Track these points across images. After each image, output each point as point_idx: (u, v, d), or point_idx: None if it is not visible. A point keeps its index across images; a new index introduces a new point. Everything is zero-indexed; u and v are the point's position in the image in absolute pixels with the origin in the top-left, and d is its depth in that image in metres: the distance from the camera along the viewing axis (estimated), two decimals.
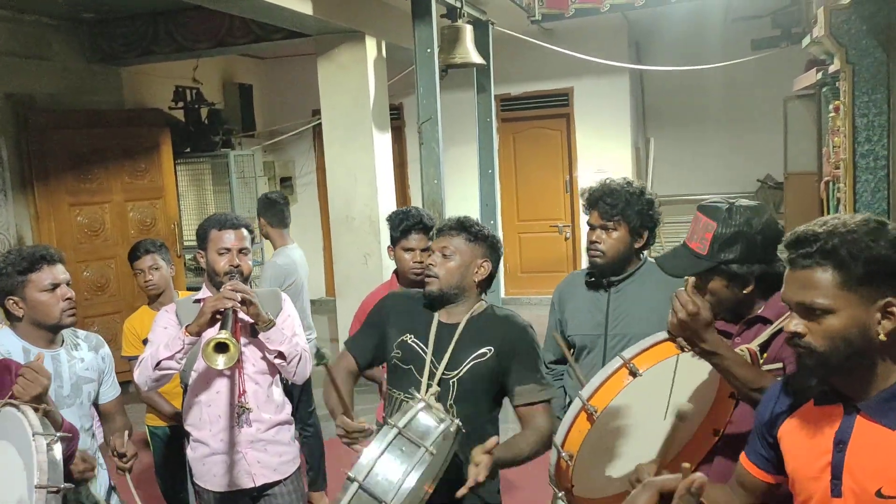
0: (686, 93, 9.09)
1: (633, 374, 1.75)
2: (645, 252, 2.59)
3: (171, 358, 2.49)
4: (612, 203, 2.45)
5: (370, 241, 6.20)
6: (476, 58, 5.69)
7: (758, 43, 8.01)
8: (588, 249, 2.52)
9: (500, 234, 7.02)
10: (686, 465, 1.33)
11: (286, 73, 9.47)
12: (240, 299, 2.47)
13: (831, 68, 4.99)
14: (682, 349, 1.76)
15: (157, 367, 2.50)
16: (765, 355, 1.86)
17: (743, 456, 1.60)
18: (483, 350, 2.21)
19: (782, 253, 1.47)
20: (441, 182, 5.31)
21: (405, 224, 3.10)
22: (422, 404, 1.93)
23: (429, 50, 5.18)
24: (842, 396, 1.40)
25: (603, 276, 2.54)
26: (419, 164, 5.38)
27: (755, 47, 8.01)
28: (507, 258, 9.32)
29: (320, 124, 6.42)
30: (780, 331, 1.84)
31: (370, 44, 6.16)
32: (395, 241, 3.16)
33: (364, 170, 6.19)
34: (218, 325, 2.44)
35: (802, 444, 1.44)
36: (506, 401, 2.31)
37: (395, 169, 7.07)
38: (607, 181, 2.53)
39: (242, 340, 2.62)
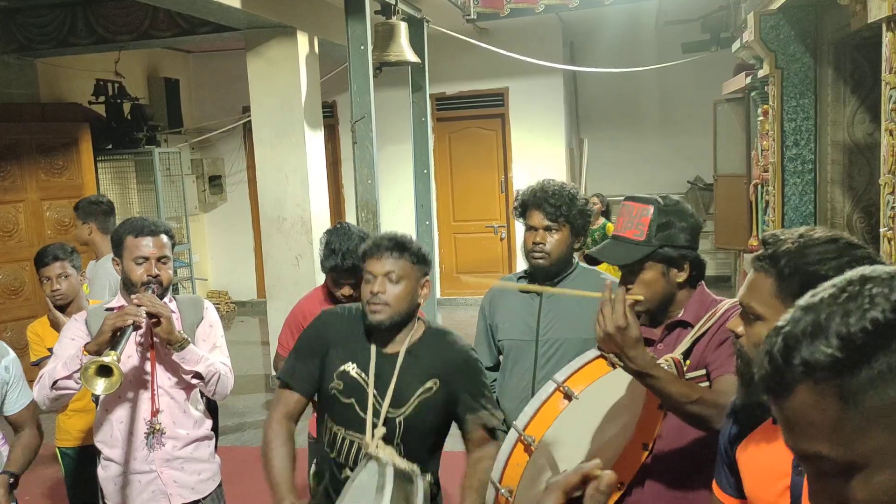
0: (619, 94, 9.20)
1: (569, 397, 1.67)
2: (575, 257, 2.57)
3: (69, 377, 2.31)
4: (556, 204, 2.42)
5: (302, 242, 6.03)
6: (411, 56, 5.60)
7: (688, 46, 8.16)
8: (530, 252, 2.46)
9: (435, 235, 6.95)
10: (597, 461, 1.29)
11: (215, 67, 9.19)
12: (144, 314, 2.29)
13: (760, 73, 5.08)
14: (614, 366, 1.70)
15: (53, 386, 2.32)
16: (688, 362, 1.83)
17: (714, 484, 1.54)
18: (428, 385, 2.09)
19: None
20: (375, 182, 5.20)
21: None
22: (391, 461, 1.87)
23: (362, 47, 5.06)
24: None
25: (546, 278, 2.49)
26: (353, 163, 5.26)
27: (685, 51, 8.15)
28: (443, 259, 9.26)
29: (251, 121, 6.22)
30: (701, 336, 1.83)
31: (302, 39, 5.99)
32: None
33: (295, 169, 6.02)
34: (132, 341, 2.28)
35: (760, 466, 1.39)
36: None
37: (329, 168, 6.91)
38: (546, 183, 2.50)
39: (160, 353, 2.46)
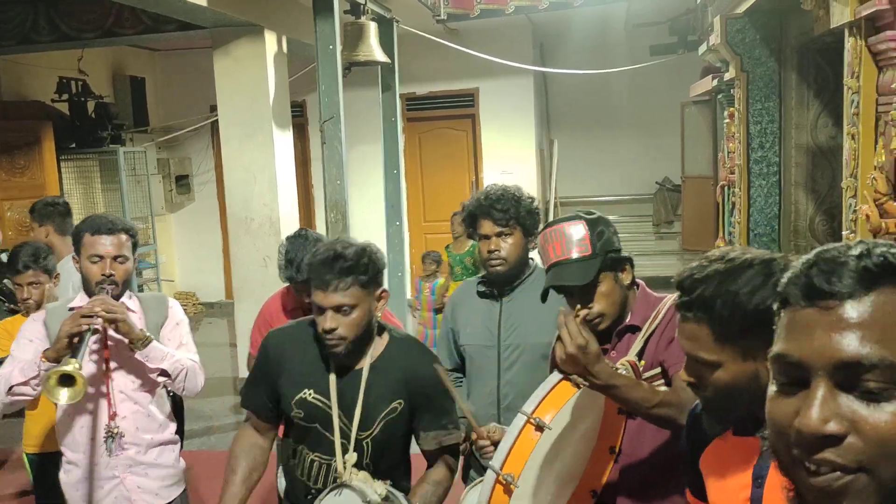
0: (589, 96, 9.25)
1: (540, 428, 1.66)
2: (532, 259, 2.57)
3: (25, 384, 2.26)
4: (503, 208, 2.41)
5: (270, 243, 5.96)
6: (380, 56, 5.57)
7: (656, 49, 8.23)
8: (487, 261, 2.46)
9: (406, 236, 6.92)
10: None
11: (182, 66, 9.07)
12: (101, 317, 2.24)
13: (726, 76, 5.14)
14: (579, 386, 1.70)
15: (9, 391, 2.27)
16: (642, 362, 1.85)
17: (687, 492, 1.54)
18: (393, 405, 2.03)
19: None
20: (345, 182, 5.16)
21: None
22: (370, 485, 1.85)
23: (331, 46, 5.02)
24: (759, 427, 1.34)
25: (504, 283, 2.49)
26: (322, 163, 5.21)
27: (654, 53, 8.23)
28: (414, 259, 9.23)
29: (218, 120, 6.15)
30: (651, 334, 1.86)
31: (270, 38, 5.94)
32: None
33: (263, 169, 5.96)
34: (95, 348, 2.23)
35: (721, 477, 1.39)
36: None
37: (298, 168, 6.85)
38: (488, 190, 2.49)
39: (120, 355, 2.41)
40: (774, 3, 4.30)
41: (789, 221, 4.59)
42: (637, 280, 1.98)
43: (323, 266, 1.92)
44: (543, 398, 1.70)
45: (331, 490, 1.95)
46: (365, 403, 2.00)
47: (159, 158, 9.09)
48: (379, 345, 2.07)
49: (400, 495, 1.93)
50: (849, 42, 2.96)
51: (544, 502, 1.78)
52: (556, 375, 1.73)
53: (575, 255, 1.88)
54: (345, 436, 2.01)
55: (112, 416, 2.41)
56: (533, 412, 1.67)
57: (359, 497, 1.86)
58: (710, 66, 5.98)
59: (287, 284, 3.17)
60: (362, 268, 1.93)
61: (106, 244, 2.40)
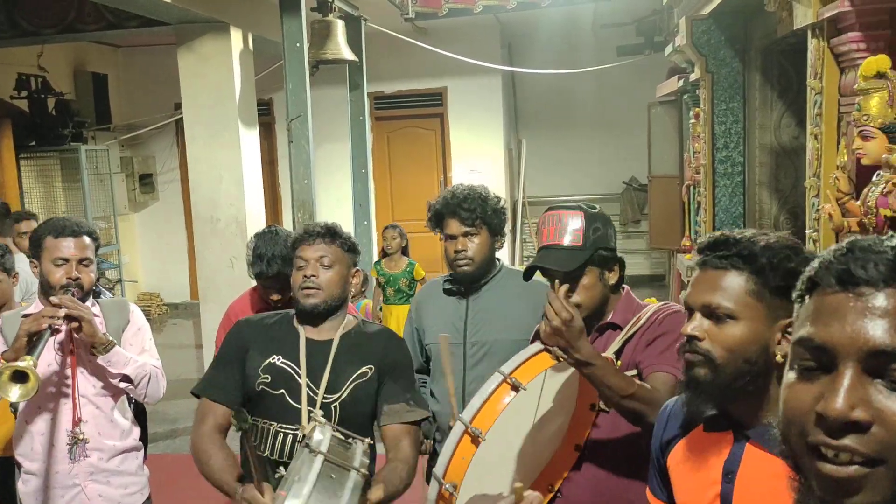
0: (556, 96, 9.30)
1: (516, 388, 1.67)
2: (499, 259, 2.58)
3: None
4: (470, 208, 2.43)
5: (237, 243, 5.89)
6: (348, 54, 5.54)
7: (622, 49, 8.30)
8: (454, 261, 2.46)
9: (374, 235, 6.89)
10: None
11: (145, 62, 8.93)
12: (62, 316, 2.18)
13: (692, 76, 5.19)
14: (558, 359, 1.71)
15: None
16: (619, 362, 1.86)
17: (648, 493, 1.54)
18: (364, 369, 2.07)
19: (695, 256, 1.42)
20: (312, 182, 5.13)
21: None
22: (329, 426, 1.82)
23: (298, 44, 4.99)
24: (731, 423, 1.34)
25: (472, 282, 2.50)
26: (289, 162, 5.17)
27: (620, 54, 8.30)
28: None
29: (183, 118, 6.06)
30: (631, 336, 1.87)
31: (235, 35, 5.86)
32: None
33: (230, 168, 5.88)
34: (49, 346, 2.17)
35: (691, 474, 1.38)
36: None
37: (265, 167, 6.79)
38: (455, 189, 2.50)
39: (82, 358, 2.36)
40: (739, 5, 4.35)
41: (754, 220, 4.65)
42: (624, 285, 2.00)
43: (312, 227, 2.18)
44: (523, 362, 1.72)
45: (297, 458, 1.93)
46: (334, 367, 2.06)
47: (122, 157, 8.93)
48: (349, 323, 2.17)
49: (359, 442, 1.89)
50: (812, 43, 3.00)
51: (506, 472, 1.78)
52: (538, 345, 1.75)
53: (566, 242, 1.91)
54: (312, 403, 2.02)
55: (77, 422, 2.35)
56: (511, 373, 1.69)
57: (329, 429, 1.83)
58: (676, 66, 6.04)
59: (254, 286, 3.14)
60: (345, 235, 2.20)
61: (70, 247, 2.35)
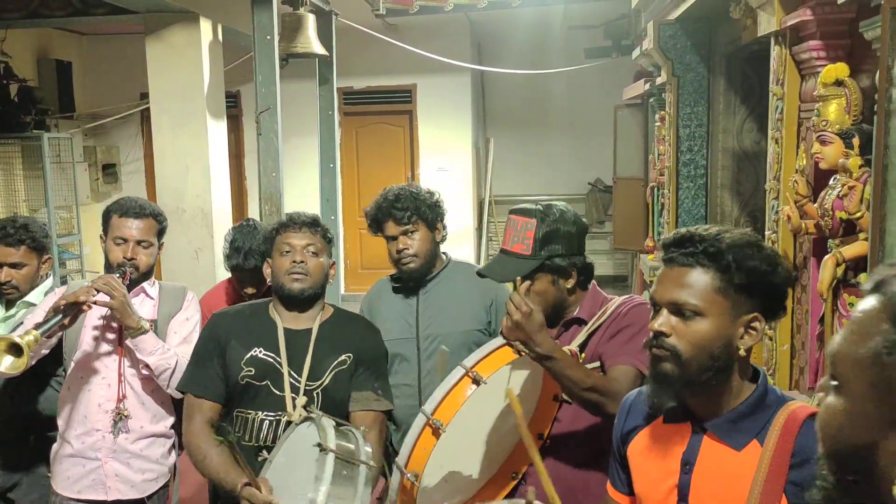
0: (525, 96, 9.37)
1: (477, 382, 1.71)
2: (445, 253, 2.63)
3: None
4: (402, 207, 2.48)
5: (202, 235, 5.84)
6: (318, 48, 5.52)
7: (590, 52, 8.39)
8: (398, 261, 2.50)
9: (340, 230, 6.88)
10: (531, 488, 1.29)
11: (111, 51, 8.79)
12: (91, 298, 2.18)
13: (658, 80, 5.29)
14: (520, 353, 1.75)
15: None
16: (583, 355, 1.89)
17: (608, 486, 1.58)
18: (343, 358, 2.15)
19: (660, 252, 1.45)
20: (280, 175, 5.10)
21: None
22: (327, 419, 1.87)
23: (268, 37, 4.95)
24: (690, 415, 1.37)
25: (419, 279, 2.54)
26: (257, 155, 5.14)
27: (588, 56, 8.38)
28: (349, 254, 9.19)
29: (149, 108, 5.98)
30: (596, 330, 1.90)
31: (205, 26, 5.81)
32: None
33: (196, 159, 5.82)
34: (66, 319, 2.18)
35: (650, 464, 1.41)
36: None
37: (232, 160, 6.72)
38: (386, 192, 2.55)
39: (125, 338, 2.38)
40: (705, 11, 4.45)
41: (715, 222, 4.74)
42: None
43: (297, 216, 2.26)
44: (485, 356, 1.75)
45: (290, 432, 2.00)
46: (315, 354, 2.12)
47: (85, 146, 8.77)
48: (327, 312, 2.25)
49: (357, 433, 1.95)
50: (774, 50, 3.09)
51: (468, 462, 1.82)
52: (500, 339, 1.78)
53: (517, 249, 1.91)
54: (295, 390, 2.09)
55: (120, 399, 2.38)
56: (472, 367, 1.72)
57: (316, 424, 1.87)
58: (643, 70, 6.14)
59: (228, 279, 3.14)
60: (325, 228, 2.29)
61: (131, 227, 2.40)
